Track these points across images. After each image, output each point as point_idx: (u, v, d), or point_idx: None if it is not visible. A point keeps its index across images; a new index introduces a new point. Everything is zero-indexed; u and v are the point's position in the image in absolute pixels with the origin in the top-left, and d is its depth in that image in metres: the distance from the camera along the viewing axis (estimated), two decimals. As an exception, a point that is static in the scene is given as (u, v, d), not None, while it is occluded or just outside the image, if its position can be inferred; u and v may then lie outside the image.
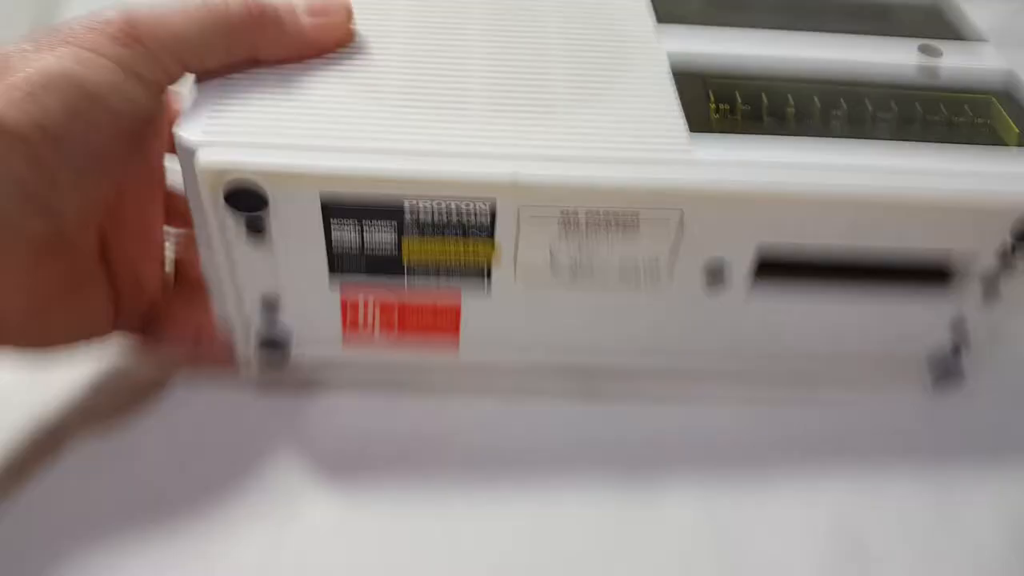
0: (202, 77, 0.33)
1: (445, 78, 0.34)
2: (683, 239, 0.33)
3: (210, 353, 0.38)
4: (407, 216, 0.32)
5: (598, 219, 0.33)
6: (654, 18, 0.40)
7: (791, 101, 0.36)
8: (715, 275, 0.35)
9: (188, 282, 0.39)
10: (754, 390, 0.40)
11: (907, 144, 0.34)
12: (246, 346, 0.37)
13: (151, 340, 0.38)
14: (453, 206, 0.32)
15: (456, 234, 0.33)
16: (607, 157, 0.32)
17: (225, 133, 0.31)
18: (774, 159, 0.33)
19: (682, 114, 0.34)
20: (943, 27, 0.42)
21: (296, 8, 0.34)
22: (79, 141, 0.30)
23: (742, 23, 0.40)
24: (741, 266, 0.35)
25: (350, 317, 0.36)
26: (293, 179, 0.31)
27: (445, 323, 0.36)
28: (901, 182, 0.32)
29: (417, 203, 0.32)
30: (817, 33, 0.40)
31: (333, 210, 0.32)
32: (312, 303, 0.35)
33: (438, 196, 0.32)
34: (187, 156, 0.31)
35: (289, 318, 0.36)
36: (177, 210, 0.38)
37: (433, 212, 0.32)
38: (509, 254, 0.34)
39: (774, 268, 0.35)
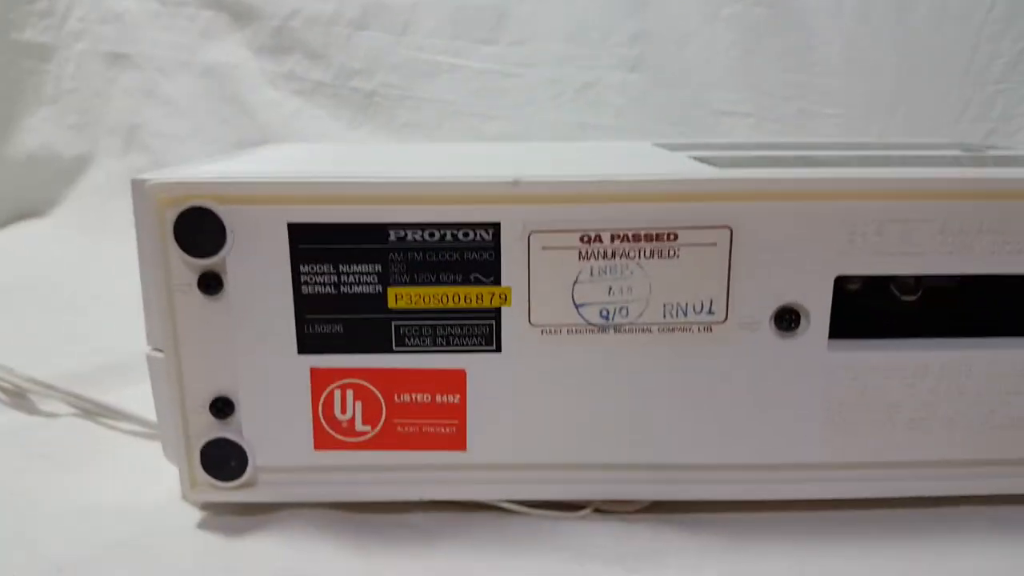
0: None
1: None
2: (738, 268, 0.26)
3: None
4: (393, 254, 0.26)
5: (627, 244, 0.26)
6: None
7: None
8: (786, 318, 0.27)
9: None
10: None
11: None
12: (186, 458, 0.28)
13: None
14: (448, 235, 0.26)
15: (455, 275, 0.26)
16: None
17: (182, 171, 0.27)
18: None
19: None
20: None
21: None
22: None
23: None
24: (817, 305, 0.27)
25: (324, 410, 0.28)
26: (256, 199, 0.26)
27: (446, 408, 0.28)
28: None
29: (405, 233, 0.26)
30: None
31: (303, 252, 0.26)
32: (276, 394, 0.28)
33: (429, 223, 0.26)
34: (139, 194, 0.26)
35: (246, 418, 0.28)
36: None
37: (424, 245, 0.26)
38: (522, 297, 0.27)
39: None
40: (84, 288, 0.51)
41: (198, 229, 0.26)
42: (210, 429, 0.28)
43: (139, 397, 0.32)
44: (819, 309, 0.27)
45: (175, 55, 0.63)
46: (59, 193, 0.70)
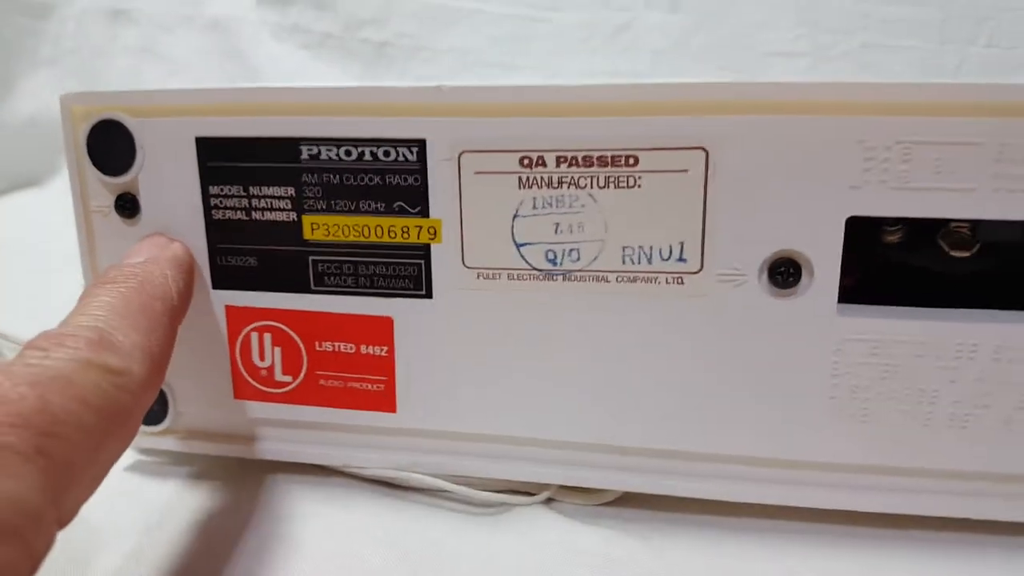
0: None
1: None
2: (716, 202, 0.21)
3: None
4: (307, 175, 0.23)
5: (576, 169, 0.21)
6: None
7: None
8: (783, 268, 0.21)
9: None
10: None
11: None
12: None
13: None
14: (367, 152, 0.22)
15: (376, 203, 0.23)
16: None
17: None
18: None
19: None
20: None
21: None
22: None
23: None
24: (824, 255, 0.21)
25: (242, 355, 0.25)
26: (164, 110, 0.23)
27: (373, 362, 0.24)
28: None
29: (319, 150, 0.23)
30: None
31: (212, 171, 0.23)
32: (195, 334, 0.25)
33: (344, 139, 0.22)
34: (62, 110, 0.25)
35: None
36: None
37: (341, 164, 0.23)
38: (454, 233, 0.23)
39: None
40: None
41: (110, 144, 0.24)
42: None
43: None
44: (826, 260, 0.21)
45: (176, 9, 0.61)
46: (58, 160, 0.60)
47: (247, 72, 0.57)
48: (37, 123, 0.63)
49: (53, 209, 0.59)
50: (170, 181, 0.24)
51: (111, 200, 0.24)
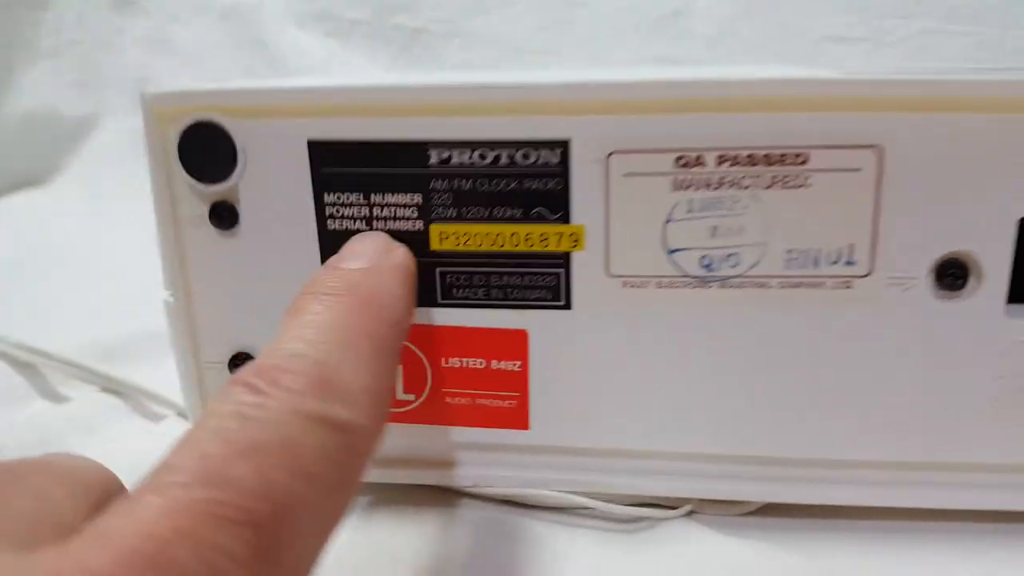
0: None
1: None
2: (889, 203, 0.20)
3: None
4: (436, 181, 0.21)
5: (739, 169, 0.20)
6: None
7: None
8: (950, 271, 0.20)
9: None
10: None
11: None
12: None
13: None
14: (503, 156, 0.21)
15: (513, 210, 0.21)
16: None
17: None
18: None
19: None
20: None
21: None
22: None
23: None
24: (994, 256, 0.20)
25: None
26: (271, 110, 0.21)
27: (504, 377, 0.23)
28: None
29: (450, 154, 0.21)
30: None
31: (328, 177, 0.21)
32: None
33: (479, 140, 0.21)
34: (143, 110, 0.22)
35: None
36: None
37: (474, 170, 0.21)
38: (598, 240, 0.21)
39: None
40: (91, 262, 0.43)
41: (205, 148, 0.21)
42: (228, 391, 0.24)
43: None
44: (996, 261, 0.20)
45: None
46: (60, 159, 0.61)
47: (271, 64, 0.53)
48: (37, 118, 0.59)
49: (61, 211, 0.56)
50: (276, 189, 0.22)
51: (205, 210, 0.22)
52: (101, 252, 0.45)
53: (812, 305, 0.21)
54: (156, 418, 0.29)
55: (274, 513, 0.13)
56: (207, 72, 0.54)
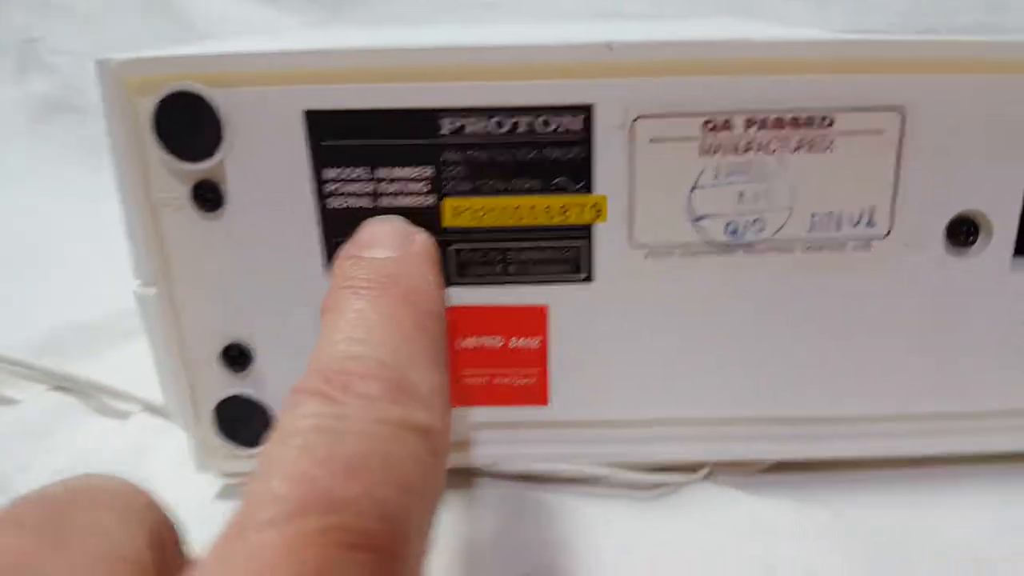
0: None
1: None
2: (909, 165, 0.20)
3: None
4: (448, 152, 0.19)
5: (768, 132, 0.19)
6: None
7: None
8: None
9: None
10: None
11: None
12: (195, 423, 0.22)
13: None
14: (521, 124, 0.19)
15: (531, 181, 0.20)
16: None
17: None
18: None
19: None
20: None
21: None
22: None
23: None
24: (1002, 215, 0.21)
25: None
26: (261, 77, 0.19)
27: (523, 355, 0.22)
28: None
29: (463, 123, 0.19)
30: None
31: (328, 151, 0.19)
32: (304, 339, 0.21)
33: (495, 107, 0.19)
34: (105, 79, 0.19)
35: (268, 369, 0.22)
36: None
37: (490, 139, 0.19)
38: (621, 209, 0.20)
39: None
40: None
41: (185, 122, 0.19)
42: (223, 385, 0.22)
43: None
44: (1004, 220, 0.21)
45: None
46: None
47: (175, 22, 0.47)
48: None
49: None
50: (267, 165, 0.20)
51: (185, 191, 0.20)
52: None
53: (832, 269, 0.21)
54: (120, 415, 0.26)
55: (392, 533, 0.12)
56: (103, 33, 0.48)
